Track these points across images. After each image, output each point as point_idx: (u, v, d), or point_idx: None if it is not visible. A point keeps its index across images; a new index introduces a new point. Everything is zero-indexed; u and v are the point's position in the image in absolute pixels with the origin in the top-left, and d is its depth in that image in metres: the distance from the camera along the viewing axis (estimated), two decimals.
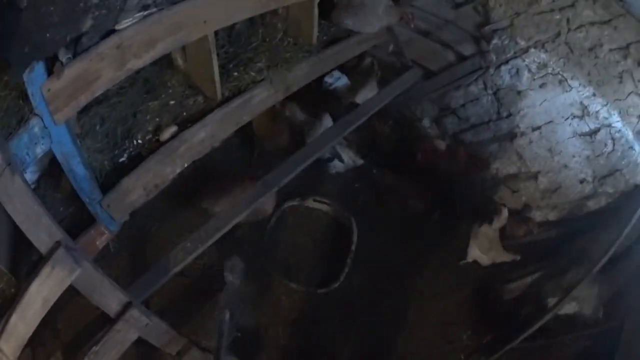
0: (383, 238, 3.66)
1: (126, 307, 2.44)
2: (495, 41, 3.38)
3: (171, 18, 2.53)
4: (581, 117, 3.29)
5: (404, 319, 3.34)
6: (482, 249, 3.35)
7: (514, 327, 3.11)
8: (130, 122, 3.00)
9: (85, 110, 2.94)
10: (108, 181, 2.84)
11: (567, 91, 3.25)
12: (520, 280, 3.31)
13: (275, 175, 3.21)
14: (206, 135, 2.97)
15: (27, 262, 2.45)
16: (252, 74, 3.29)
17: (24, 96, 2.17)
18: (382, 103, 3.73)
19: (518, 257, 3.36)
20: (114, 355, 2.47)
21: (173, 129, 2.95)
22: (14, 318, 2.13)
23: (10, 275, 2.48)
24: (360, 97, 3.93)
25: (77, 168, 2.57)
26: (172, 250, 2.84)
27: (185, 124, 3.01)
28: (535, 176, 3.50)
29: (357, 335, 3.24)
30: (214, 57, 2.91)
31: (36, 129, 2.24)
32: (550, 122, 3.36)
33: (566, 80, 3.25)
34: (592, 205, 3.40)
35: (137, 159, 2.89)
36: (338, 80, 4.12)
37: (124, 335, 2.48)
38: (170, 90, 3.18)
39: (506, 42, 3.33)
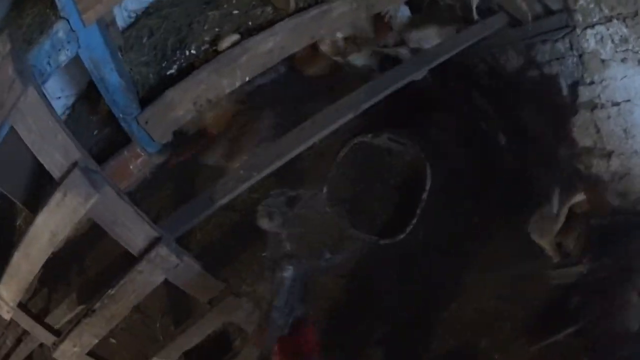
0: (458, 190, 3.31)
1: (153, 243, 1.94)
2: (581, 2, 3.15)
3: None
4: None
5: (461, 285, 3.13)
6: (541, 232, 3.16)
7: (561, 316, 2.98)
8: (184, 33, 2.62)
9: (132, 25, 2.69)
10: (152, 96, 2.45)
11: None
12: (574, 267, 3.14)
13: (352, 98, 2.60)
14: (274, 46, 2.50)
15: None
16: None
17: (50, 3, 1.98)
18: (464, 45, 3.23)
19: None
20: (132, 300, 2.02)
21: (235, 37, 2.52)
22: (16, 256, 1.84)
23: (29, 211, 2.18)
24: (414, 38, 3.44)
25: (109, 76, 2.23)
26: (222, 178, 2.30)
27: (250, 33, 2.52)
28: (609, 155, 3.23)
29: (410, 296, 3.02)
30: None
31: (61, 33, 1.98)
32: (629, 100, 3.07)
33: None
34: None
35: (189, 71, 2.44)
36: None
37: (146, 277, 1.99)
38: (235, 1, 2.70)
39: (592, 5, 3.11)
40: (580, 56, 3.30)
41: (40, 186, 2.03)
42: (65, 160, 1.68)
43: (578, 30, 3.21)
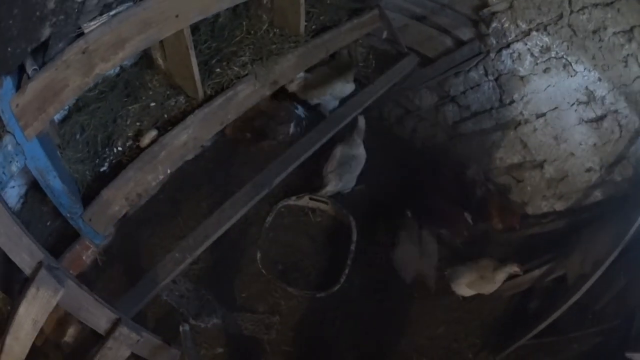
0: (384, 235, 3.61)
1: (115, 324, 2.39)
2: (494, 24, 3.25)
3: (139, 15, 2.46)
4: (587, 103, 3.17)
5: (409, 317, 3.29)
6: (472, 285, 3.19)
7: (522, 322, 3.08)
8: (111, 129, 2.94)
9: (66, 119, 2.96)
10: (91, 192, 2.78)
11: (572, 76, 3.13)
12: (527, 274, 3.22)
13: (265, 175, 3.13)
14: (188, 138, 2.90)
15: (18, 279, 2.39)
16: (236, 68, 3.20)
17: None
18: (378, 93, 3.63)
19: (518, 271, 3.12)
20: None
21: (153, 133, 2.87)
22: (8, 339, 2.11)
23: (3, 293, 2.43)
24: (314, 97, 3.82)
25: (53, 183, 2.52)
26: (161, 261, 2.78)
27: (166, 126, 2.94)
28: (540, 165, 3.41)
29: (360, 336, 3.19)
30: (192, 53, 2.83)
31: (9, 147, 2.21)
32: (555, 108, 3.25)
33: (570, 64, 3.12)
34: (599, 194, 3.31)
35: (118, 168, 2.82)
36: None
37: (115, 353, 2.42)
38: (151, 92, 3.12)
39: (506, 25, 3.20)
40: (496, 79, 3.32)
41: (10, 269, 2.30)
42: (32, 260, 2.01)
43: (492, 54, 3.25)
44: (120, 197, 2.76)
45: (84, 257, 2.82)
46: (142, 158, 2.77)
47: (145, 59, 3.22)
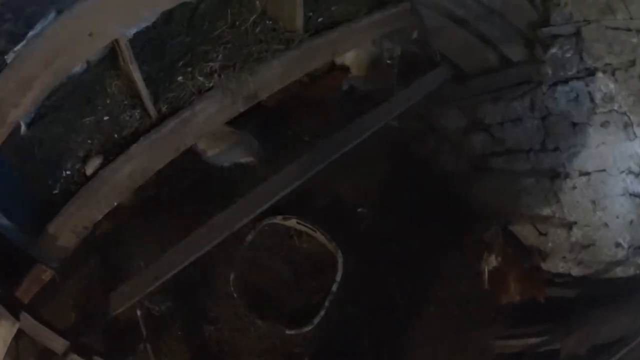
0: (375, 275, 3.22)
1: (67, 351, 2.47)
2: (554, 50, 2.61)
3: (44, 45, 2.13)
4: (637, 175, 2.62)
5: None
6: None
7: None
8: (63, 145, 2.73)
9: (33, 121, 2.82)
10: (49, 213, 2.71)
11: (630, 139, 2.53)
12: (523, 339, 3.00)
13: (227, 216, 2.75)
14: (134, 170, 2.62)
15: None
16: (200, 79, 2.72)
17: None
18: (398, 110, 2.93)
19: None
20: None
21: (97, 161, 2.64)
22: None
23: None
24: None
25: (1, 221, 2.50)
26: (113, 294, 2.74)
27: (114, 150, 2.66)
28: (569, 226, 2.88)
29: None
30: (134, 67, 2.45)
31: None
32: (603, 170, 2.66)
33: (632, 125, 2.52)
34: (619, 272, 2.87)
35: (67, 194, 2.67)
36: None
37: None
38: (109, 101, 2.80)
39: (569, 54, 2.56)
40: (543, 118, 2.79)
41: None
42: None
43: (544, 87, 2.69)
44: (67, 231, 2.66)
45: (43, 277, 2.88)
46: (82, 193, 2.58)
47: (111, 55, 2.83)
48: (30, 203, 2.73)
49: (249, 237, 3.26)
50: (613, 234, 2.78)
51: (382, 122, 2.93)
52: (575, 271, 2.95)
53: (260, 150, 3.58)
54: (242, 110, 2.81)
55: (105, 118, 2.75)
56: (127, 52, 2.39)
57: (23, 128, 2.86)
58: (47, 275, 2.81)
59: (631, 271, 2.82)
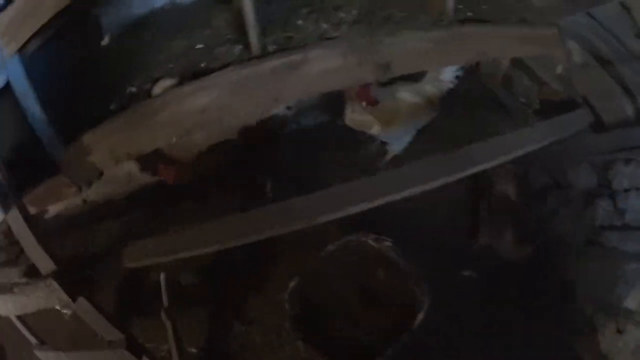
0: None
1: (50, 274, 1.94)
2: None
3: None
4: None
5: None
6: None
7: None
8: (138, 62, 2.33)
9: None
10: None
11: None
12: None
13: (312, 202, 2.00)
14: (210, 104, 2.06)
15: None
16: (325, 25, 2.20)
17: None
18: (537, 144, 2.27)
19: None
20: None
21: (169, 82, 2.14)
22: None
23: None
24: None
25: (33, 109, 2.13)
26: (134, 243, 2.06)
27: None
28: None
29: None
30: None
31: None
32: None
33: None
34: None
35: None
36: None
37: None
38: (210, 31, 2.38)
39: None
40: None
41: None
42: None
43: None
44: (104, 149, 2.16)
45: (63, 190, 2.35)
46: (137, 110, 2.07)
47: None
48: (80, 113, 2.27)
49: (330, 248, 2.51)
50: None
51: (522, 150, 2.22)
52: None
53: None
54: (368, 79, 2.23)
55: (199, 46, 2.31)
56: None
57: (106, 39, 2.52)
58: (68, 190, 2.32)
59: None
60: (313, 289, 2.48)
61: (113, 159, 2.15)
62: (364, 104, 2.74)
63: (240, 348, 2.42)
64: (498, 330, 2.39)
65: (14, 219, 1.89)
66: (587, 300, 2.43)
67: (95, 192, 2.54)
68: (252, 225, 1.96)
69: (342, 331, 2.42)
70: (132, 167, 2.54)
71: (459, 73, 2.81)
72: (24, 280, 2.07)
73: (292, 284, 2.43)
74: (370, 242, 2.54)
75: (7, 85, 2.08)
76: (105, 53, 2.49)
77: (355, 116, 2.80)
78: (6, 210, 1.90)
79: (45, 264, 1.92)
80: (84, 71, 2.35)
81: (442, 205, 2.65)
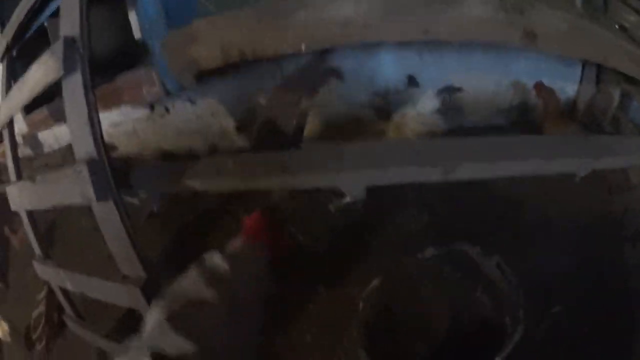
0: None
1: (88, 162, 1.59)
2: None
3: None
4: None
5: None
6: None
7: None
8: None
9: None
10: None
11: None
12: None
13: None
14: (355, 18, 1.77)
15: None
16: None
17: None
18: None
19: None
20: None
21: None
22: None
23: None
24: None
25: None
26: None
27: None
28: None
29: None
30: None
31: None
32: None
33: None
34: None
35: None
36: None
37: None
38: None
39: None
40: None
41: None
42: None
43: None
44: (215, 42, 1.84)
45: (143, 91, 2.03)
46: (271, 5, 1.78)
47: None
48: None
49: (427, 253, 2.14)
50: None
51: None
52: None
53: None
54: (514, 42, 1.96)
55: None
56: None
57: None
58: (155, 90, 1.98)
59: None
60: (395, 294, 2.16)
61: (221, 55, 1.85)
62: None
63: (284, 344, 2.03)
64: None
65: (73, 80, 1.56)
66: None
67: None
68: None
69: (413, 347, 2.11)
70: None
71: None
72: None
73: (374, 282, 2.10)
74: (474, 255, 2.22)
75: None
76: None
77: None
78: (68, 69, 1.56)
79: (88, 148, 1.57)
80: None
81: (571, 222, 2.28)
